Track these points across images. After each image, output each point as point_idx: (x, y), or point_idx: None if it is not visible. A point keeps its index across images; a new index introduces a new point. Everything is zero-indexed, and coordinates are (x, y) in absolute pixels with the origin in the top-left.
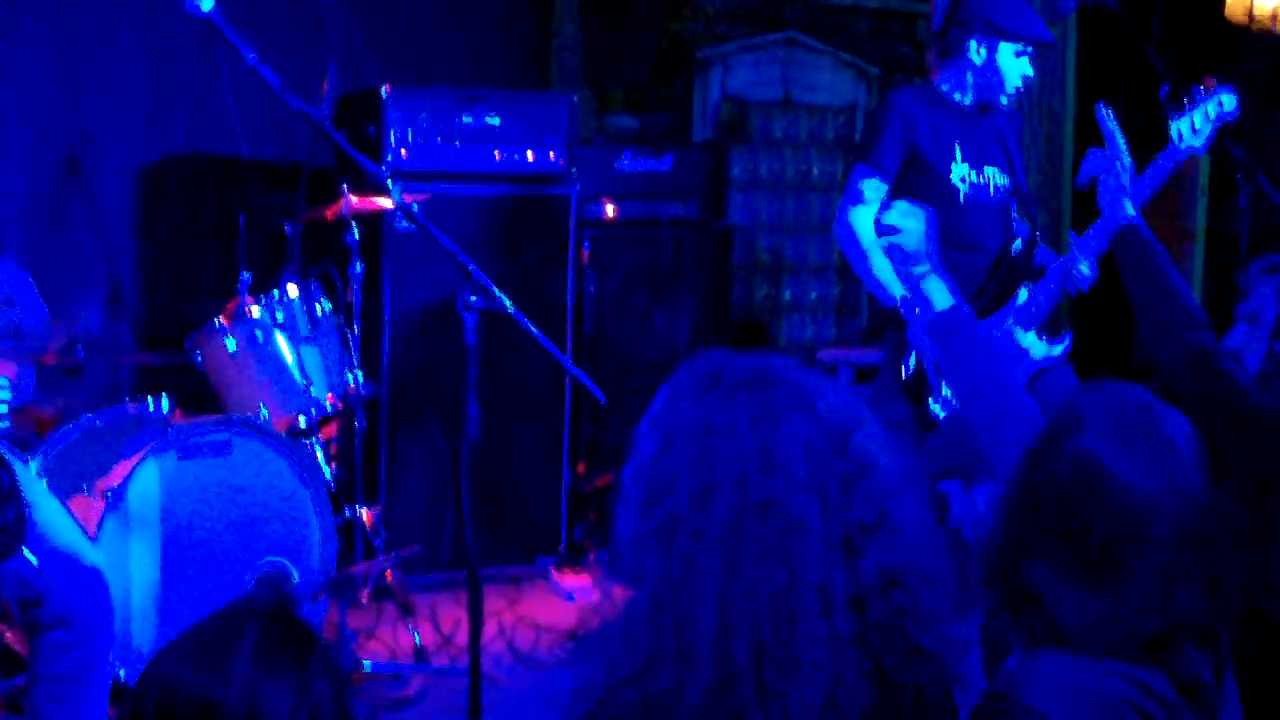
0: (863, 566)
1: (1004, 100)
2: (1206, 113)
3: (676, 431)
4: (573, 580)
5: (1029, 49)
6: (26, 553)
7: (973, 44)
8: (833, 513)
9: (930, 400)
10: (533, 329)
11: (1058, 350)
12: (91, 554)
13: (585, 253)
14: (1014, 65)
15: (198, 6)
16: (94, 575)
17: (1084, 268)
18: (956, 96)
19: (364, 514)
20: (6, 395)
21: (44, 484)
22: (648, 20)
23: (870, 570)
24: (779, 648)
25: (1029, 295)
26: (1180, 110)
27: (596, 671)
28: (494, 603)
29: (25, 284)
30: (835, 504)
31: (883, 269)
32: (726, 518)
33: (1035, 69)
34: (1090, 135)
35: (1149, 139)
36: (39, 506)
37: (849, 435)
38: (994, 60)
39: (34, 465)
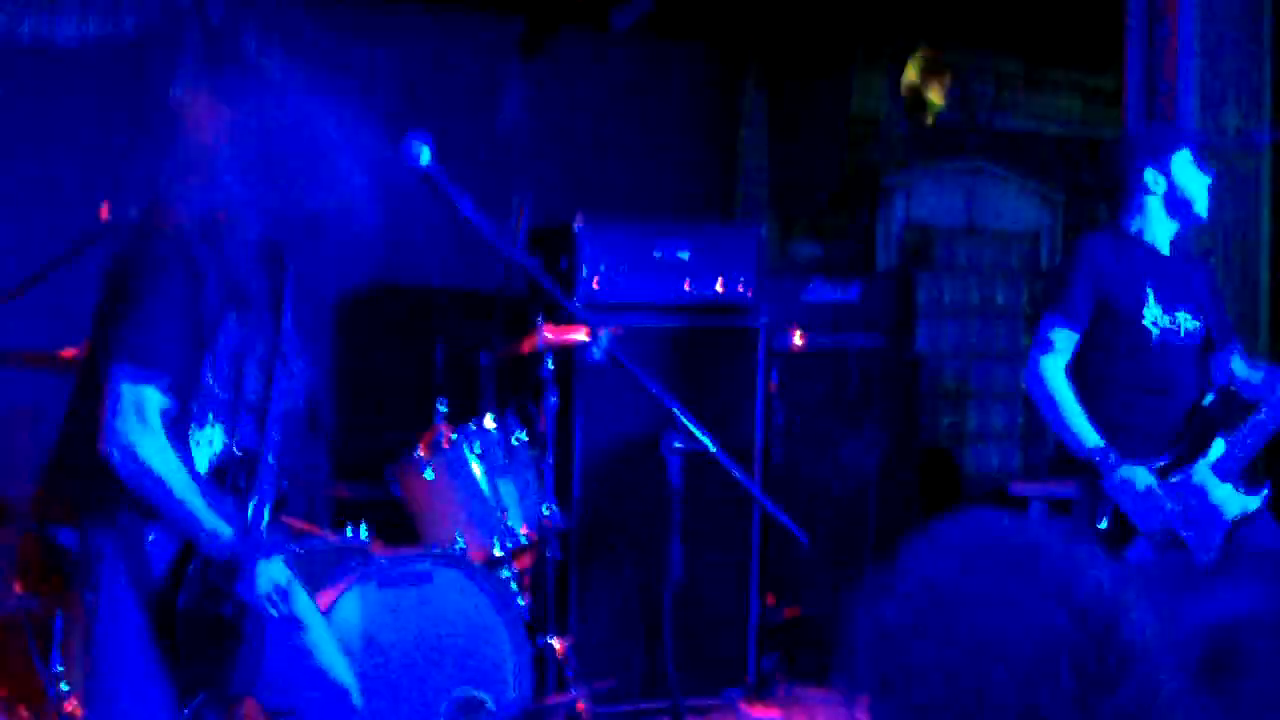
0: None
1: (1202, 216)
2: None
3: (909, 609)
4: (761, 713)
5: (1201, 158)
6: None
7: (1149, 173)
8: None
9: (1127, 550)
10: (735, 469)
11: (1255, 502)
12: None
13: (773, 383)
14: (1195, 178)
15: (416, 160)
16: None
17: None
18: (1148, 238)
19: (556, 644)
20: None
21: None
22: (832, 148)
23: None
24: None
25: (1226, 446)
26: None
27: None
28: None
29: None
30: (1090, 710)
31: (1074, 418)
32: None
33: (1224, 195)
34: None
35: None
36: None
37: (1110, 630)
38: (1173, 181)
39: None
